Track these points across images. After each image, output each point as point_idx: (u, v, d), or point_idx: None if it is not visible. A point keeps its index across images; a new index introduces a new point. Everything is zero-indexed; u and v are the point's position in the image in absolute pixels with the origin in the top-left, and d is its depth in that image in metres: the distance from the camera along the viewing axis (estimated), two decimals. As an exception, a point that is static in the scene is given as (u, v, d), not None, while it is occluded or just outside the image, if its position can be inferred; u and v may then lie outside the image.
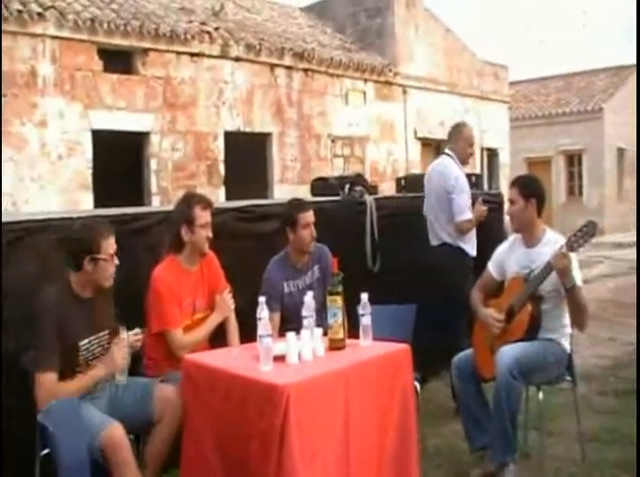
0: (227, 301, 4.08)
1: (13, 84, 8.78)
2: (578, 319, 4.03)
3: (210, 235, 4.01)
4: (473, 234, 5.50)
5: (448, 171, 5.44)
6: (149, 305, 3.91)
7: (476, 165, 16.94)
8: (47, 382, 3.26)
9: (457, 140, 5.71)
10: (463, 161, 5.74)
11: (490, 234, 6.72)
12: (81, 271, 3.41)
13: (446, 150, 5.70)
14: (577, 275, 3.95)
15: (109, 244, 3.43)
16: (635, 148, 21.87)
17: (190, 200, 4.07)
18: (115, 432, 3.21)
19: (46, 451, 3.16)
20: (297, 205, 4.59)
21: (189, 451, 3.38)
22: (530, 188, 4.21)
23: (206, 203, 4.05)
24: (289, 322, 4.07)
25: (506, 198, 7.34)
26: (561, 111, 24.07)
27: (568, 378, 4.24)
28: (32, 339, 3.34)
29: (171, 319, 3.85)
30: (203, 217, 3.98)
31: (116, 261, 3.47)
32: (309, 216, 4.49)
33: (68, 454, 2.55)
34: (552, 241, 4.07)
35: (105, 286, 3.49)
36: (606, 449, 4.45)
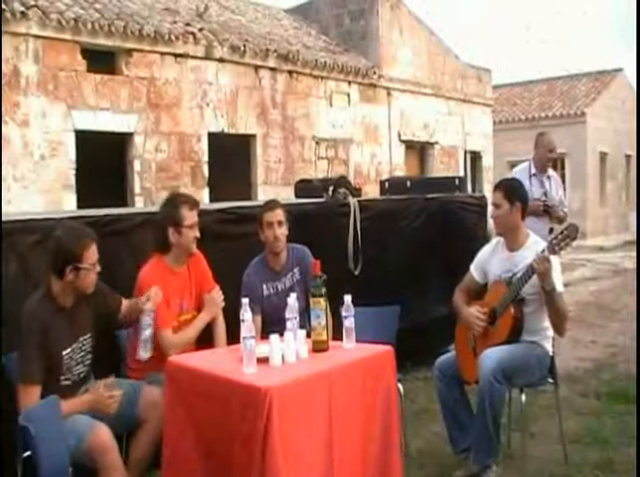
0: (216, 300, 4.06)
1: (-5, 84, 8.72)
2: (557, 324, 4.04)
3: (197, 235, 4.00)
4: None
5: (513, 175, 6.12)
6: None
7: (459, 168, 17.03)
8: (30, 394, 3.25)
9: (537, 146, 6.63)
10: (542, 165, 6.58)
11: (473, 236, 6.78)
12: (63, 280, 3.38)
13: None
14: (559, 280, 3.97)
15: (91, 253, 3.39)
16: (617, 152, 22.02)
17: (176, 200, 4.06)
18: (102, 435, 3.19)
19: (27, 453, 3.14)
20: (263, 205, 4.57)
21: (169, 453, 3.35)
22: (515, 192, 4.22)
23: (192, 203, 4.03)
24: (270, 324, 4.06)
25: (489, 201, 7.42)
26: (545, 115, 24.21)
27: (551, 380, 4.26)
28: (17, 351, 3.33)
29: (159, 320, 3.82)
30: (190, 217, 3.95)
31: (98, 268, 3.44)
32: (272, 215, 4.42)
33: (48, 457, 2.53)
34: (534, 245, 4.08)
35: (85, 293, 3.47)
36: (588, 450, 4.48)
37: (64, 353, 3.42)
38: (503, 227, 4.21)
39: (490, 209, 4.47)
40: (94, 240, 3.44)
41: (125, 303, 3.77)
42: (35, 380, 3.28)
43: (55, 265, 3.37)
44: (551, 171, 6.76)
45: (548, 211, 6.27)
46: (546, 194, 6.42)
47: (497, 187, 4.27)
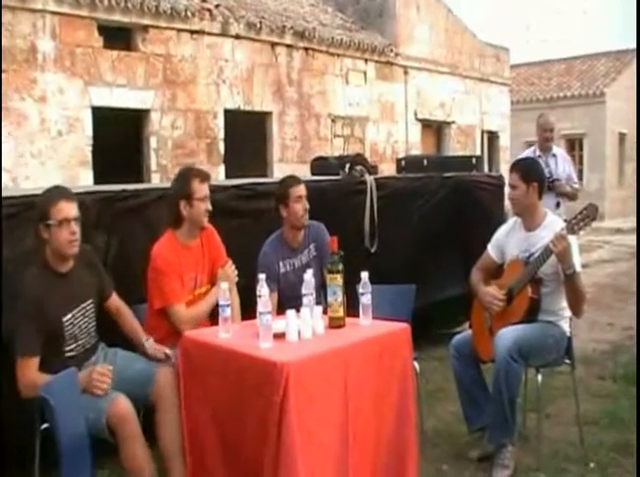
0: (229, 274, 4.03)
1: (13, 60, 8.71)
2: (575, 305, 4.01)
3: (209, 207, 3.97)
4: None
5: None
6: (150, 282, 3.89)
7: (476, 147, 16.92)
8: (27, 367, 3.25)
9: (537, 128, 6.92)
10: (544, 146, 6.86)
11: (490, 216, 6.74)
12: (45, 242, 3.34)
13: None
14: (577, 261, 3.93)
15: (58, 209, 3.30)
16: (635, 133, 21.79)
17: (187, 174, 4.03)
18: (121, 404, 3.20)
19: (45, 426, 3.16)
20: (288, 180, 4.57)
21: (185, 428, 3.37)
22: (531, 172, 4.18)
23: (203, 176, 4.00)
24: (286, 301, 4.05)
25: (506, 181, 7.37)
26: (563, 95, 23.97)
27: (567, 361, 4.23)
28: (16, 322, 3.30)
29: (172, 294, 3.82)
30: (201, 190, 3.93)
31: (74, 228, 3.34)
32: (300, 189, 4.47)
33: (67, 429, 2.54)
34: (552, 225, 4.05)
35: (66, 254, 3.39)
36: (604, 433, 4.46)
37: (64, 319, 3.39)
38: (520, 207, 4.18)
39: (507, 190, 4.42)
40: (64, 198, 3.35)
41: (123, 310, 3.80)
42: (31, 350, 3.26)
43: (34, 228, 3.35)
44: (555, 149, 7.05)
45: (551, 186, 6.36)
46: (550, 173, 6.54)
47: (513, 168, 4.23)
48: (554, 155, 6.91)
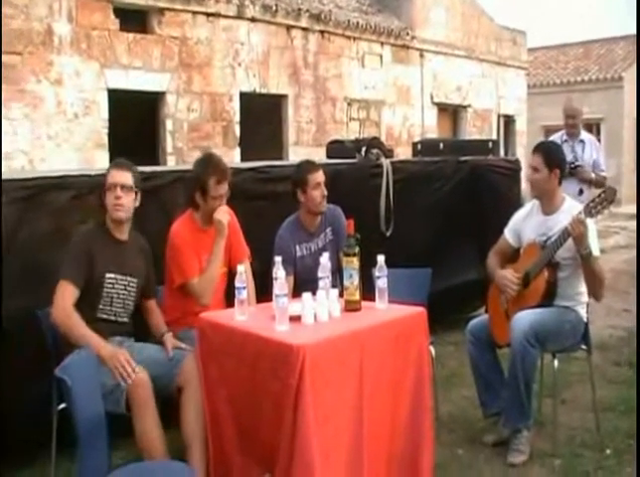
0: (222, 222, 3.92)
1: (29, 43, 8.71)
2: (594, 288, 3.99)
3: (223, 204, 3.95)
4: None
5: None
6: (168, 260, 3.92)
7: (492, 131, 16.81)
8: (65, 291, 3.39)
9: (563, 113, 6.75)
10: (567, 132, 6.69)
11: (506, 200, 6.71)
12: (105, 209, 3.59)
13: None
14: (595, 245, 3.90)
15: (109, 175, 3.59)
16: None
17: (207, 168, 3.93)
18: (139, 373, 3.24)
19: (63, 406, 3.18)
20: (306, 166, 4.55)
21: (207, 411, 3.37)
22: (555, 158, 4.13)
23: (221, 175, 3.90)
24: (302, 285, 4.04)
25: (523, 164, 7.32)
26: (580, 79, 23.75)
27: (584, 347, 4.20)
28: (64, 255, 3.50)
29: (191, 270, 3.86)
30: (216, 190, 3.90)
31: (118, 193, 3.55)
32: (319, 176, 4.46)
33: (84, 409, 2.55)
34: (570, 209, 4.01)
35: (112, 216, 3.59)
36: (620, 419, 4.45)
37: (107, 275, 3.54)
38: (539, 190, 4.14)
39: (526, 171, 4.35)
40: (117, 167, 3.65)
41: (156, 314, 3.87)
42: (73, 278, 3.41)
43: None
44: (584, 134, 6.88)
45: (573, 172, 6.31)
46: (575, 158, 6.47)
47: (537, 150, 4.16)
48: (581, 141, 6.70)
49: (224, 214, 3.95)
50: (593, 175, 6.58)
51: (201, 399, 3.39)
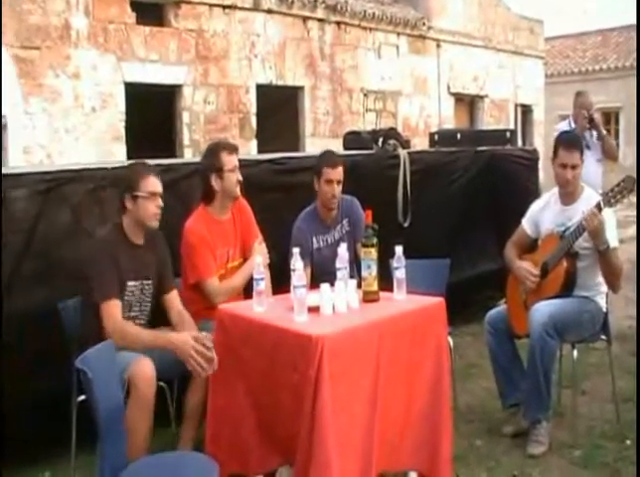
0: (264, 251, 4.08)
1: (47, 37, 8.76)
2: (610, 280, 3.97)
3: (240, 178, 4.01)
4: None
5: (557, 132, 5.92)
6: (183, 258, 3.92)
7: (510, 121, 16.71)
8: (113, 308, 3.36)
9: (574, 106, 6.77)
10: (580, 125, 6.64)
11: (524, 190, 6.67)
12: (127, 212, 3.52)
13: None
14: (613, 235, 3.86)
15: (148, 183, 3.51)
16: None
17: (215, 148, 4.09)
18: (144, 366, 3.20)
19: (82, 397, 3.19)
20: (327, 157, 4.51)
21: (218, 402, 3.39)
22: (582, 150, 4.12)
23: (231, 148, 4.05)
24: (319, 276, 4.04)
25: (541, 153, 7.28)
26: (598, 68, 23.53)
27: (603, 337, 4.18)
28: (89, 275, 3.42)
29: (205, 269, 3.87)
30: (230, 161, 3.98)
31: (160, 203, 3.54)
32: (333, 172, 4.38)
33: (105, 401, 2.56)
34: (589, 199, 3.97)
35: (149, 225, 3.56)
36: (640, 410, 4.41)
37: (128, 283, 3.52)
38: (575, 187, 4.09)
39: (558, 170, 4.06)
40: (152, 172, 3.57)
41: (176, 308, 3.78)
42: (111, 295, 3.37)
43: (118, 197, 3.55)
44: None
45: (592, 125, 6.59)
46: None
47: (573, 146, 4.05)
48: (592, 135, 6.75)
49: (262, 249, 4.10)
50: (605, 131, 6.86)
51: (206, 384, 3.44)
